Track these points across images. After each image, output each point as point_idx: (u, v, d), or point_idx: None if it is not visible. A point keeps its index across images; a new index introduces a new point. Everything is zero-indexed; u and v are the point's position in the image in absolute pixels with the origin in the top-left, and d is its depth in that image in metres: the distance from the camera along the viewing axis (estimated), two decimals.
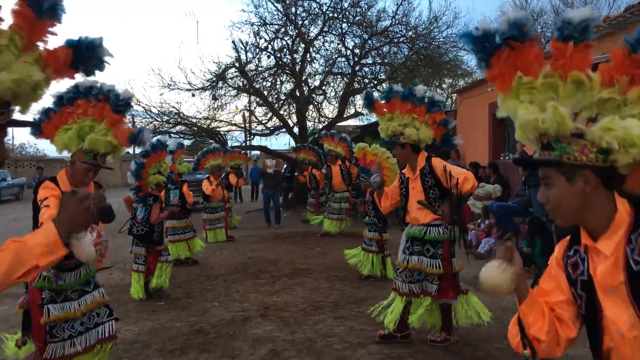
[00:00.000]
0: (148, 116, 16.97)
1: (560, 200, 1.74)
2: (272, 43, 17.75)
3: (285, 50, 17.86)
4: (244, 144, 20.81)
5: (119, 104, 3.57)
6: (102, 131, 3.58)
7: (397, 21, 17.43)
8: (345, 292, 7.02)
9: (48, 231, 1.76)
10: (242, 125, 20.60)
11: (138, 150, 7.18)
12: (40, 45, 1.85)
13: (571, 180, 1.70)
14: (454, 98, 19.71)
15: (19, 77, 1.74)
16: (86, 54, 2.03)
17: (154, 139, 7.38)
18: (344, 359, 4.65)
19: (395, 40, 17.89)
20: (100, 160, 3.65)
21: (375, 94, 5.14)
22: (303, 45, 17.86)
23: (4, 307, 6.52)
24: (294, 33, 17.69)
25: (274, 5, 17.27)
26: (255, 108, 19.45)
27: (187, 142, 18.96)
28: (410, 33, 17.81)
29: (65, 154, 3.62)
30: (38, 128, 3.57)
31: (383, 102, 4.98)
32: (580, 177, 1.69)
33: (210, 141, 18.53)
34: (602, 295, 1.74)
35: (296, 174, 16.12)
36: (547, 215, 7.29)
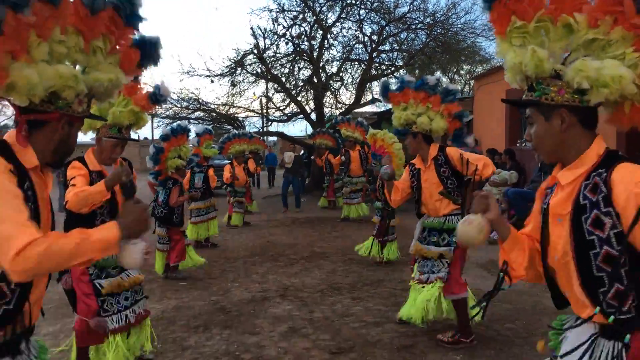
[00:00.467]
0: (167, 102, 17.21)
1: (540, 137, 1.88)
2: (290, 29, 17.89)
3: (303, 36, 17.96)
4: (261, 130, 21.01)
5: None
6: (123, 103, 3.75)
7: (415, 7, 17.45)
8: (362, 275, 7.19)
9: (111, 231, 1.86)
10: (260, 111, 20.76)
11: (157, 135, 7.35)
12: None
13: (549, 119, 1.84)
14: (472, 85, 19.65)
15: (112, 78, 2.01)
16: (149, 53, 2.20)
17: (175, 124, 7.61)
18: (360, 336, 4.82)
19: (413, 26, 17.88)
20: (125, 133, 3.81)
21: (393, 81, 5.10)
22: (321, 32, 17.93)
23: None
24: (312, 19, 17.77)
25: None
26: (273, 94, 19.60)
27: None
28: (428, 19, 17.80)
29: (87, 140, 3.76)
30: None
31: (397, 92, 5.01)
32: (557, 116, 1.82)
33: (229, 127, 18.77)
34: (551, 223, 1.89)
35: (312, 157, 16.34)
36: None
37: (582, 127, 1.83)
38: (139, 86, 3.82)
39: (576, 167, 1.83)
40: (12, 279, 1.72)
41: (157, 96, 3.92)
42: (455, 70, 25.11)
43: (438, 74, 21.56)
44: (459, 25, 18.11)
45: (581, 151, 1.83)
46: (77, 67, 1.99)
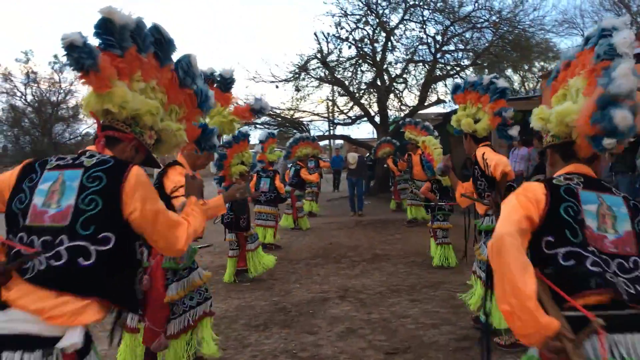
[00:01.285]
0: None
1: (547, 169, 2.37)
2: (352, 33, 17.99)
3: (366, 39, 18.02)
4: (326, 134, 21.20)
5: (227, 82, 3.98)
6: (224, 113, 4.02)
7: (480, 6, 17.16)
8: (422, 277, 7.18)
9: (219, 199, 3.36)
10: (325, 115, 20.97)
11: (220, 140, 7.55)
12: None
13: (545, 157, 2.36)
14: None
15: (179, 128, 2.48)
16: (206, 101, 2.61)
17: (238, 131, 7.83)
18: (416, 337, 4.85)
19: (479, 25, 17.57)
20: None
21: (459, 81, 5.12)
22: (384, 34, 17.93)
23: None
24: (375, 22, 17.82)
25: None
26: (336, 98, 19.76)
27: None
28: (494, 17, 17.44)
29: None
30: None
31: (459, 93, 5.03)
32: (548, 154, 2.32)
33: (295, 131, 19.09)
34: None
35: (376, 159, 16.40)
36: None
37: (562, 161, 2.26)
38: (232, 97, 4.07)
39: None
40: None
41: (261, 109, 4.09)
42: (527, 67, 24.37)
43: (509, 72, 21.06)
44: (527, 22, 17.67)
45: None
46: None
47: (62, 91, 32.76)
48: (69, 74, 31.22)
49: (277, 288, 6.87)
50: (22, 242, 1.93)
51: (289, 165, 12.89)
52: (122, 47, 2.20)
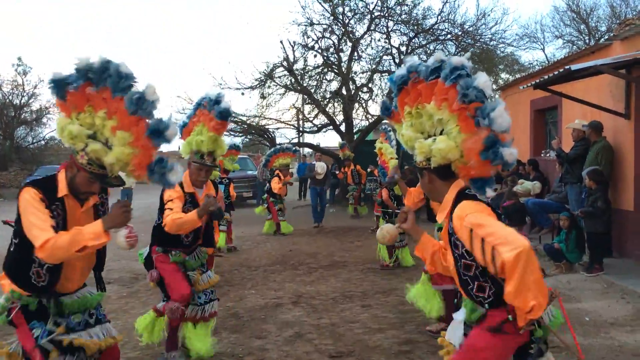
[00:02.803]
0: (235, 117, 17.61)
1: (423, 188, 2.75)
2: (319, 42, 18.15)
3: (331, 49, 18.21)
4: (292, 142, 21.28)
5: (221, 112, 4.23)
6: (202, 131, 4.33)
7: (442, 19, 17.51)
8: (376, 283, 7.33)
9: (97, 225, 2.69)
10: (291, 122, 21.05)
11: None
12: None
13: (422, 176, 2.66)
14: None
15: (114, 159, 2.65)
16: (159, 134, 2.70)
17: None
18: (361, 341, 4.97)
19: (442, 37, 17.93)
20: (207, 160, 4.37)
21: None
22: (350, 44, 18.15)
23: None
24: (341, 32, 18.01)
25: (322, 5, 17.67)
26: (302, 106, 19.90)
27: (238, 140, 19.62)
28: (456, 30, 17.84)
29: None
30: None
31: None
32: (424, 174, 2.63)
33: (260, 139, 19.14)
34: (446, 247, 2.63)
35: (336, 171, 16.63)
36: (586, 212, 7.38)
37: (440, 179, 2.58)
38: (212, 115, 4.34)
39: (443, 209, 2.59)
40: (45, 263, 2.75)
41: (222, 112, 4.28)
42: (493, 80, 24.88)
43: None
44: (489, 36, 18.10)
45: (443, 196, 2.59)
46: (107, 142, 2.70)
47: (25, 94, 32.18)
48: (32, 77, 30.70)
49: (232, 294, 6.92)
50: None
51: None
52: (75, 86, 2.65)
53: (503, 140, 2.35)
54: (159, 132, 2.63)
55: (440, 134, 2.51)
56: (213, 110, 4.26)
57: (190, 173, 4.45)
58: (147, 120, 2.63)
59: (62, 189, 2.83)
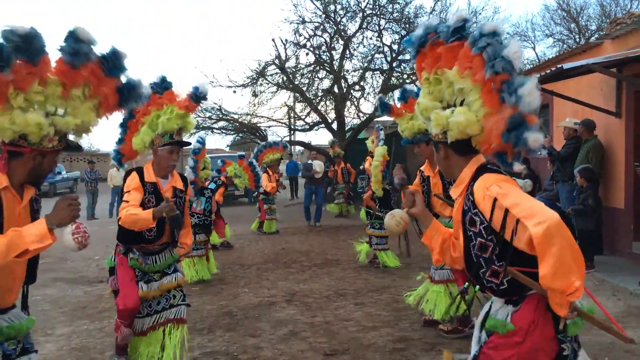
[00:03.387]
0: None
1: (438, 163, 2.54)
2: (311, 40, 18.14)
3: (323, 47, 18.20)
4: (284, 139, 21.26)
5: (162, 84, 4.09)
6: (168, 111, 4.03)
7: (434, 16, 17.52)
8: (369, 281, 7.34)
9: (40, 224, 2.31)
10: (283, 120, 21.04)
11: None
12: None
13: (437, 151, 2.48)
14: None
15: (80, 122, 2.48)
16: (129, 95, 2.59)
17: (198, 137, 8.06)
18: (355, 339, 4.98)
19: None
20: (177, 138, 4.05)
21: (415, 89, 5.24)
22: (341, 42, 18.15)
23: (53, 290, 7.14)
24: (333, 30, 18.01)
25: (313, 3, 17.66)
26: (294, 104, 19.88)
27: (229, 138, 19.59)
28: None
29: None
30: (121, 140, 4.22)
31: (400, 103, 5.17)
32: (440, 149, 2.45)
33: (252, 137, 19.11)
34: (457, 226, 2.45)
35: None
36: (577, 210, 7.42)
37: (457, 155, 2.39)
38: (175, 93, 4.18)
39: (459, 184, 2.40)
40: None
41: (198, 94, 4.13)
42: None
43: None
44: None
45: (459, 173, 2.41)
46: (59, 109, 2.45)
47: None
48: None
49: (226, 292, 6.92)
50: None
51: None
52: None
53: (530, 122, 2.07)
54: (112, 64, 2.45)
55: (461, 104, 2.29)
56: (189, 91, 4.15)
57: (158, 161, 4.07)
58: (96, 64, 2.43)
59: (1, 181, 2.41)
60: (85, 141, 49.00)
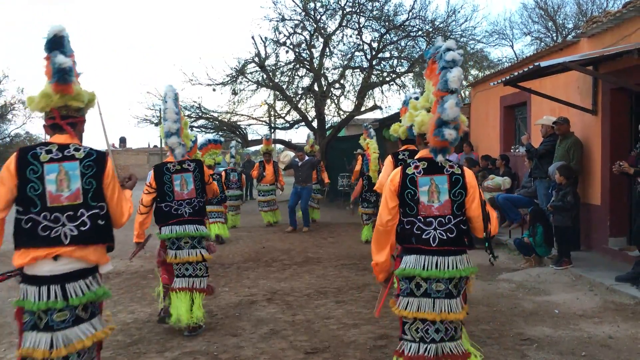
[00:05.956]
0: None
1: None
2: (290, 38, 18.10)
3: (303, 45, 18.16)
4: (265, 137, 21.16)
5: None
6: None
7: (414, 15, 17.62)
8: (350, 279, 7.35)
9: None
10: (263, 119, 20.97)
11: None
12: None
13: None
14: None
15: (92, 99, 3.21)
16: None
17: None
18: (336, 337, 4.99)
19: (413, 34, 18.04)
20: None
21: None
22: (321, 40, 18.13)
23: None
24: (312, 28, 17.98)
25: (293, 1, 17.61)
26: (274, 102, 19.82)
27: (210, 136, 19.45)
28: (427, 26, 17.96)
29: None
30: None
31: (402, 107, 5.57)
32: (418, 138, 3.66)
33: (232, 135, 19.01)
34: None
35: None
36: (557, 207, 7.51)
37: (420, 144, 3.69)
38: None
39: None
40: None
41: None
42: (463, 77, 25.10)
43: None
44: (459, 32, 18.28)
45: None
46: None
47: None
48: None
49: None
50: (46, 219, 2.92)
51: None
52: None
53: (451, 124, 3.12)
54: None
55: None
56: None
57: None
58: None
59: None
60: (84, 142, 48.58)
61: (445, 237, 3.18)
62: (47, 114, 3.06)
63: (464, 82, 27.17)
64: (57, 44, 2.94)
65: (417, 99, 5.35)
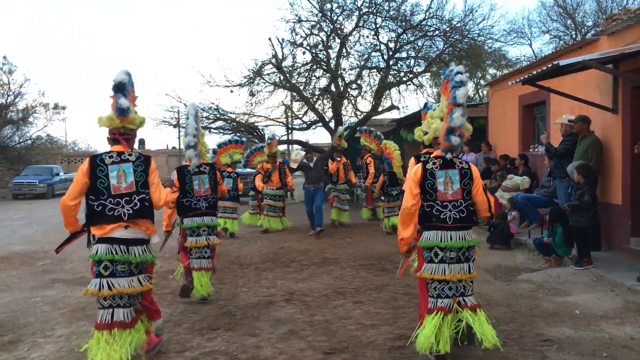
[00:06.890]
0: None
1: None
2: (307, 39, 18.14)
3: (320, 45, 18.19)
4: (282, 139, 21.23)
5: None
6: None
7: (431, 15, 17.56)
8: (368, 280, 7.35)
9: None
10: (280, 120, 21.03)
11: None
12: None
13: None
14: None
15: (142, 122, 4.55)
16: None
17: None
18: (354, 338, 4.99)
19: (430, 33, 17.97)
20: None
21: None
22: (338, 41, 18.14)
23: (52, 291, 7.13)
24: (329, 29, 18.00)
25: (310, 2, 17.65)
26: (291, 103, 19.88)
27: (227, 137, 19.58)
28: (444, 26, 17.89)
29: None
30: None
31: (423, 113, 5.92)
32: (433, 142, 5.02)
33: (249, 136, 19.08)
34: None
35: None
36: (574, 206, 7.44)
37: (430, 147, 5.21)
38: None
39: None
40: None
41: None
42: (481, 75, 24.94)
43: None
44: (477, 31, 18.18)
45: None
46: None
47: (11, 93, 31.76)
48: (18, 76, 30.41)
49: (224, 292, 6.92)
50: (111, 203, 4.17)
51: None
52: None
53: (457, 131, 4.14)
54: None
55: None
56: None
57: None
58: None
59: None
60: (84, 142, 48.95)
61: (458, 217, 4.19)
62: (110, 130, 4.34)
63: (482, 82, 27.10)
64: (120, 88, 4.17)
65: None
